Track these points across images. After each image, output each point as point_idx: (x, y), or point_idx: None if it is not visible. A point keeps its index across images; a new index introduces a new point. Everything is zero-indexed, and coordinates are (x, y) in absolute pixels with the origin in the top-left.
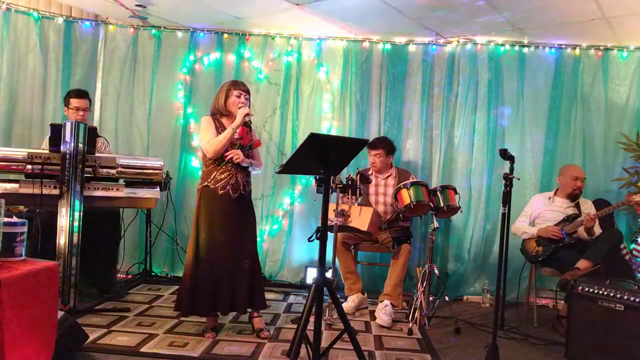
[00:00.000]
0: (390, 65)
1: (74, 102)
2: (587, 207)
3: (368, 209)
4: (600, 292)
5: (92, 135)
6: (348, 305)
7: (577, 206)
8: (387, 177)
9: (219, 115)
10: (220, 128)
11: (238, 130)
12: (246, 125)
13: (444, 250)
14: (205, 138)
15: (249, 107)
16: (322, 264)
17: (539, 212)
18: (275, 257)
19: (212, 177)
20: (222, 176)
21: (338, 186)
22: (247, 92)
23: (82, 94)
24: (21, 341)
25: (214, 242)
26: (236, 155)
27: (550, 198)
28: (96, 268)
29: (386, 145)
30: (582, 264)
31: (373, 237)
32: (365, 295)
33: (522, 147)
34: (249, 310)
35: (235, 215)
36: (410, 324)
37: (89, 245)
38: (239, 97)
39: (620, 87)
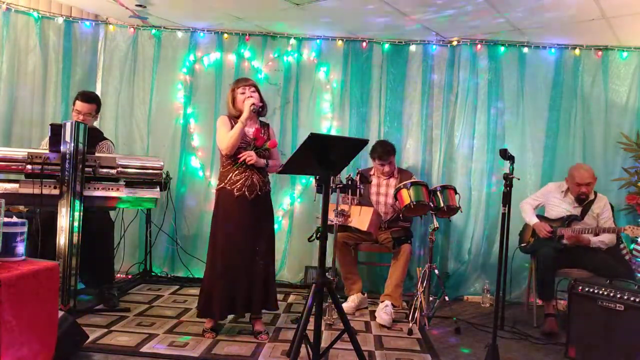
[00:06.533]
0: (390, 65)
1: (78, 105)
2: (601, 205)
3: (368, 209)
4: (600, 292)
5: (92, 135)
6: (348, 305)
7: (587, 207)
8: (390, 178)
9: (235, 118)
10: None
11: (252, 131)
12: (263, 125)
13: (444, 250)
14: (219, 135)
15: (261, 97)
16: (322, 264)
17: (547, 201)
18: (276, 257)
19: (228, 178)
20: (238, 178)
21: (338, 186)
22: (253, 85)
23: (87, 98)
24: (19, 341)
25: (231, 244)
26: (249, 157)
27: (563, 192)
28: (91, 285)
29: (392, 151)
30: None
31: (373, 237)
32: (365, 295)
33: (522, 147)
34: (263, 311)
35: (251, 216)
36: (410, 324)
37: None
38: (243, 93)
39: (620, 87)
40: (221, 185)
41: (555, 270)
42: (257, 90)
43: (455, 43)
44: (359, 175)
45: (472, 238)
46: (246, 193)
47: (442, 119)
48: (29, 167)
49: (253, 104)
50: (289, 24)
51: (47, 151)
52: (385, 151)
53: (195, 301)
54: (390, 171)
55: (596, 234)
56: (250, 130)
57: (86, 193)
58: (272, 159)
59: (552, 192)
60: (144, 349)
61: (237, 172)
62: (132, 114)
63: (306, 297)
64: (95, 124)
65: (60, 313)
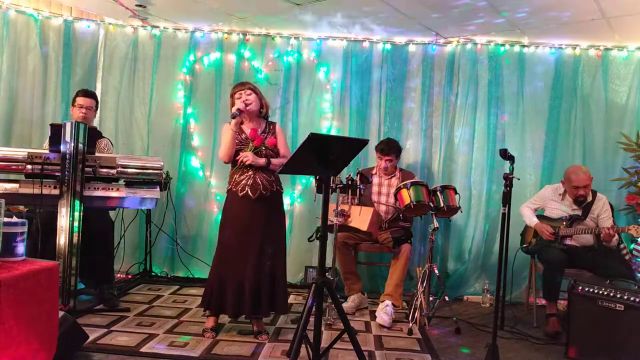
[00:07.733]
0: (390, 65)
1: (80, 100)
2: (600, 205)
3: (368, 209)
4: (600, 292)
5: (92, 135)
6: (348, 305)
7: (587, 207)
8: (391, 177)
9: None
10: (237, 132)
11: (249, 132)
12: (268, 124)
13: (444, 250)
14: (221, 145)
15: (260, 98)
16: (322, 264)
17: (545, 205)
18: None
19: (233, 180)
20: (241, 178)
21: (338, 186)
22: (249, 87)
23: (89, 93)
24: (17, 340)
25: (238, 243)
26: (245, 158)
27: (560, 195)
28: (91, 285)
29: (396, 149)
30: None
31: (373, 237)
32: (365, 295)
33: (522, 147)
34: (272, 313)
35: (257, 216)
36: (410, 324)
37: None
38: (239, 97)
39: (620, 87)
40: (229, 188)
41: (564, 272)
42: (255, 92)
43: (455, 43)
44: (359, 175)
45: (472, 238)
46: (249, 193)
47: (442, 119)
48: (29, 167)
49: (238, 109)
50: (289, 24)
51: (47, 151)
52: (387, 146)
53: (196, 301)
54: (388, 169)
55: (597, 234)
56: (248, 132)
57: (86, 193)
58: (281, 156)
59: (549, 196)
60: (144, 349)
61: (239, 173)
62: (132, 114)
63: (306, 297)
64: (95, 123)
65: (60, 313)
